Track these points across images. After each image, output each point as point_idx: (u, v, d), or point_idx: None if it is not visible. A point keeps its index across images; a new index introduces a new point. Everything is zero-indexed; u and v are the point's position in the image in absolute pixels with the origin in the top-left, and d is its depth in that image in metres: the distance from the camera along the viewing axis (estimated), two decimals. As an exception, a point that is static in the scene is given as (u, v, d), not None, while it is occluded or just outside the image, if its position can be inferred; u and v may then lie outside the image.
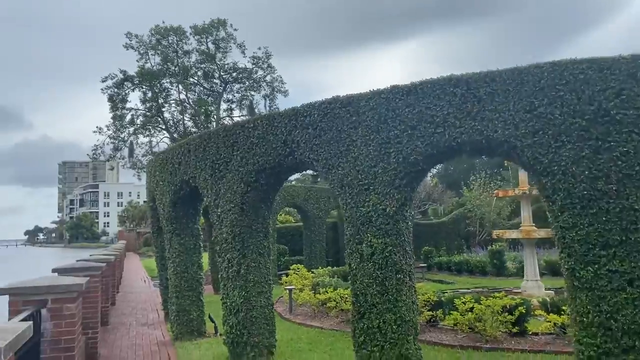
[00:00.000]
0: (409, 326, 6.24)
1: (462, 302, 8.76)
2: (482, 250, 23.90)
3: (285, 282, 14.35)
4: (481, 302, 8.62)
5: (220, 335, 10.02)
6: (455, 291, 13.69)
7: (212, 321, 10.21)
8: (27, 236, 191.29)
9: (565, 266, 5.14)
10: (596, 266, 4.88)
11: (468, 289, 15.59)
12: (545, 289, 13.35)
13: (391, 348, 6.19)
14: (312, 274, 14.73)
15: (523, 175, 13.86)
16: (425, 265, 21.34)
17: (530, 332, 8.70)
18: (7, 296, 5.20)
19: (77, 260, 9.97)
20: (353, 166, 6.57)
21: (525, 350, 7.88)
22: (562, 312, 8.39)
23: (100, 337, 10.03)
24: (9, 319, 4.97)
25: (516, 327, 8.55)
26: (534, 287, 13.28)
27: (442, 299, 9.54)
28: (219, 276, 8.38)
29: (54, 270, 8.12)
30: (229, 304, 8.07)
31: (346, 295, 10.54)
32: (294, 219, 33.61)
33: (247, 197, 7.94)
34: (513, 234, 13.45)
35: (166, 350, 9.12)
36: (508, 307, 8.47)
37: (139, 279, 25.15)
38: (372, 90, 6.57)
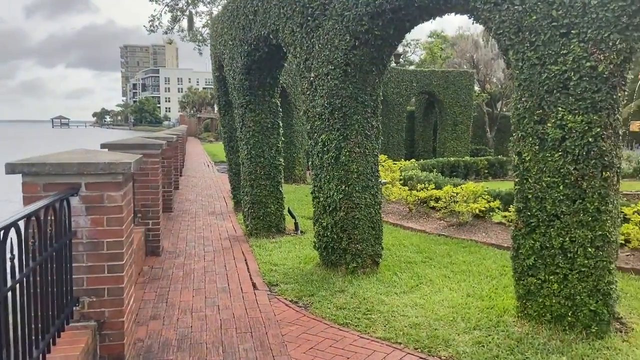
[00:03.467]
0: (611, 249, 4.10)
1: (636, 212, 6.48)
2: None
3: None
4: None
5: (302, 232, 8.36)
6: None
7: (293, 216, 8.51)
8: (95, 118, 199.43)
9: None
10: None
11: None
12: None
13: (581, 280, 4.13)
14: (397, 167, 12.70)
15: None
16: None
17: None
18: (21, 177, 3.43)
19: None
20: (543, -3, 4.07)
21: None
22: None
23: (163, 226, 8.60)
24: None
25: None
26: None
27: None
28: (310, 163, 6.42)
29: (103, 146, 6.41)
30: (322, 199, 6.17)
31: (456, 194, 8.47)
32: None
33: (353, 55, 5.66)
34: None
35: (240, 247, 7.56)
36: None
37: (202, 163, 24.19)
38: None
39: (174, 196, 11.78)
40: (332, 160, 5.94)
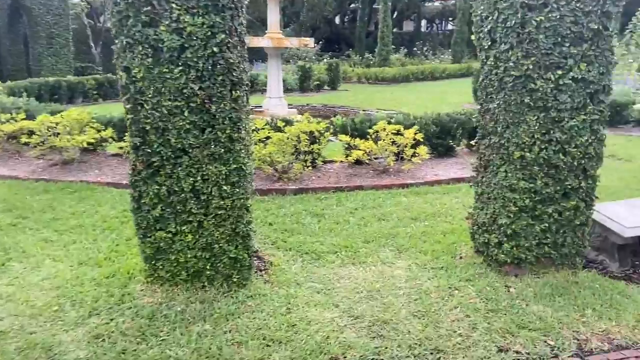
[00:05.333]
0: (247, 183, 3.49)
1: (254, 131, 6.26)
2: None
3: None
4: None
5: None
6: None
7: None
8: None
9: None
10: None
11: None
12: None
13: (218, 225, 3.40)
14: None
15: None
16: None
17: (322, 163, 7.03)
18: None
19: None
20: None
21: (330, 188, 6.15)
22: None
23: None
24: None
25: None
26: (278, 105, 11.73)
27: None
28: None
29: None
30: None
31: (57, 124, 6.62)
32: None
33: None
34: (261, 42, 11.07)
35: None
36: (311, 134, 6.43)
37: None
38: None
39: None
40: None
